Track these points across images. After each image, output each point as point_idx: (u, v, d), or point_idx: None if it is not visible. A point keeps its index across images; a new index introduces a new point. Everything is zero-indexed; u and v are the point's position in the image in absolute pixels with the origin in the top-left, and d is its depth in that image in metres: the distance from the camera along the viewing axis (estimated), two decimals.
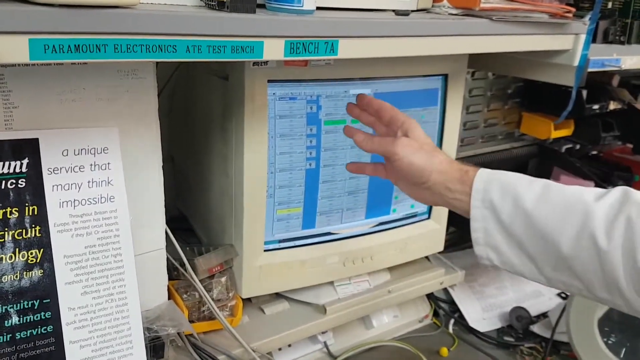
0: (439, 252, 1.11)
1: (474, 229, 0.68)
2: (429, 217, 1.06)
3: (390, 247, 1.01)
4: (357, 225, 0.98)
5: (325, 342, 0.98)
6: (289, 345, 0.94)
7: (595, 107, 1.19)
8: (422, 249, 1.08)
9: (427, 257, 1.12)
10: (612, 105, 1.23)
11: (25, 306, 0.62)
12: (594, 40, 0.91)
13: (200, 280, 0.82)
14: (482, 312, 1.16)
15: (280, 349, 0.93)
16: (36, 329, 0.63)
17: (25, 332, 0.62)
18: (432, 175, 0.70)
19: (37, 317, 0.63)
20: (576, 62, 0.91)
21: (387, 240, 1.01)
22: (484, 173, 0.68)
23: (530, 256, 0.65)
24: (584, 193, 0.63)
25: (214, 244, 0.91)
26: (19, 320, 0.62)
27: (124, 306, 0.68)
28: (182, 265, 0.82)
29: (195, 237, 1.03)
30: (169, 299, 0.80)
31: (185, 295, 0.83)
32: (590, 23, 0.89)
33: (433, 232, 1.07)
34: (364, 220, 0.98)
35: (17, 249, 0.62)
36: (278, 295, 0.96)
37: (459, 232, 1.24)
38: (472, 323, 1.12)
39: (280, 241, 0.91)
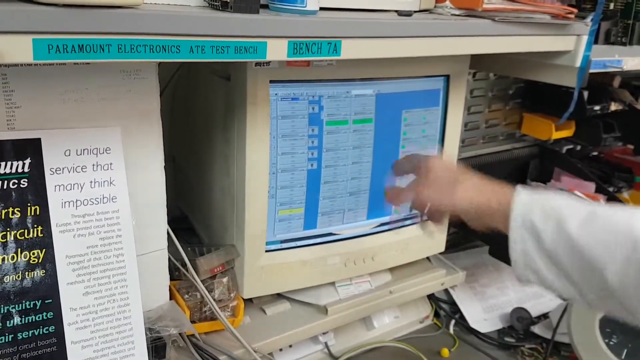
0: (440, 253, 1.11)
1: (513, 250, 0.65)
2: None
3: (392, 247, 1.01)
4: (359, 225, 0.97)
5: (326, 343, 0.98)
6: (290, 346, 0.94)
7: (596, 108, 1.19)
8: (423, 249, 1.07)
9: (428, 258, 1.12)
10: (613, 106, 1.23)
11: (27, 306, 0.62)
12: (595, 41, 0.91)
13: (201, 281, 0.82)
14: (483, 312, 1.15)
15: (281, 350, 0.93)
16: (38, 330, 0.63)
17: (27, 333, 0.62)
18: (457, 207, 0.70)
19: (39, 317, 0.63)
20: (578, 63, 0.91)
21: (388, 240, 1.01)
22: (522, 194, 0.66)
23: (574, 282, 0.62)
24: (634, 219, 0.60)
25: (215, 244, 0.91)
26: (21, 321, 0.62)
27: (126, 306, 0.68)
28: (184, 265, 0.82)
29: (196, 237, 1.03)
30: (170, 299, 0.80)
31: (186, 296, 0.83)
32: (592, 24, 0.89)
33: (434, 232, 1.06)
34: (365, 220, 0.98)
35: (19, 249, 0.62)
36: (279, 296, 0.96)
37: (460, 233, 1.24)
38: (473, 324, 1.12)
39: (281, 242, 0.91)
